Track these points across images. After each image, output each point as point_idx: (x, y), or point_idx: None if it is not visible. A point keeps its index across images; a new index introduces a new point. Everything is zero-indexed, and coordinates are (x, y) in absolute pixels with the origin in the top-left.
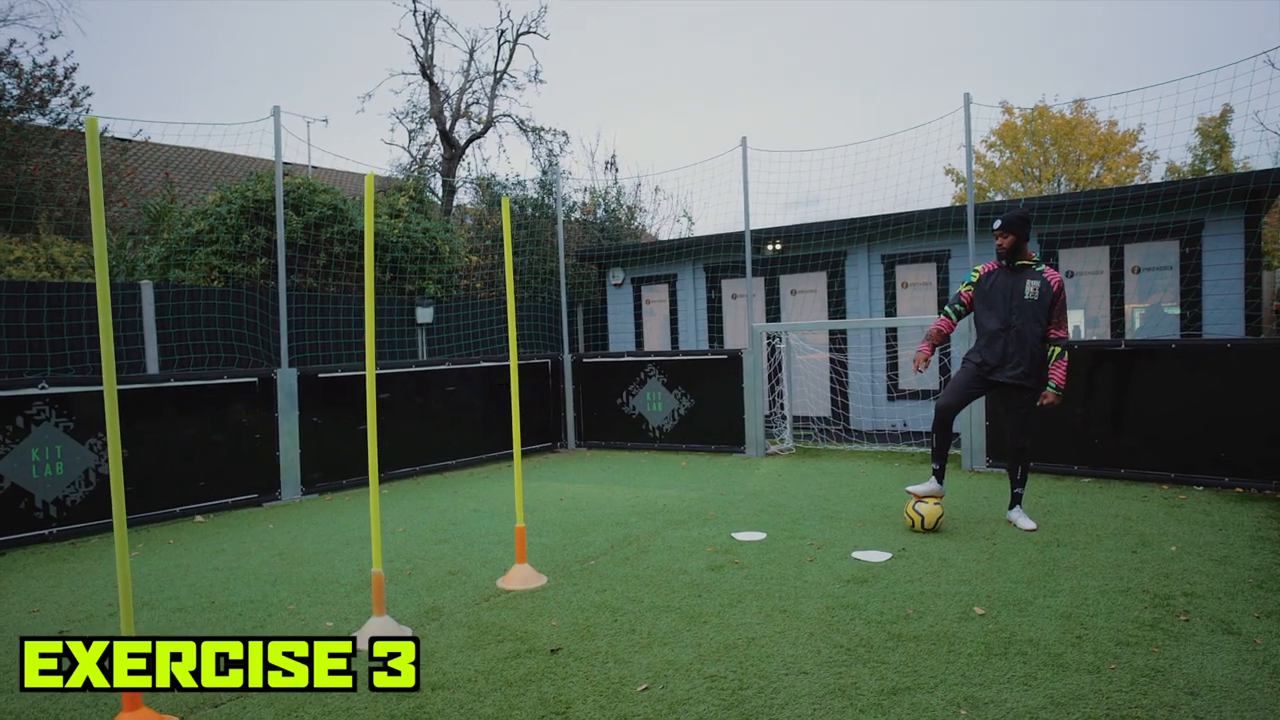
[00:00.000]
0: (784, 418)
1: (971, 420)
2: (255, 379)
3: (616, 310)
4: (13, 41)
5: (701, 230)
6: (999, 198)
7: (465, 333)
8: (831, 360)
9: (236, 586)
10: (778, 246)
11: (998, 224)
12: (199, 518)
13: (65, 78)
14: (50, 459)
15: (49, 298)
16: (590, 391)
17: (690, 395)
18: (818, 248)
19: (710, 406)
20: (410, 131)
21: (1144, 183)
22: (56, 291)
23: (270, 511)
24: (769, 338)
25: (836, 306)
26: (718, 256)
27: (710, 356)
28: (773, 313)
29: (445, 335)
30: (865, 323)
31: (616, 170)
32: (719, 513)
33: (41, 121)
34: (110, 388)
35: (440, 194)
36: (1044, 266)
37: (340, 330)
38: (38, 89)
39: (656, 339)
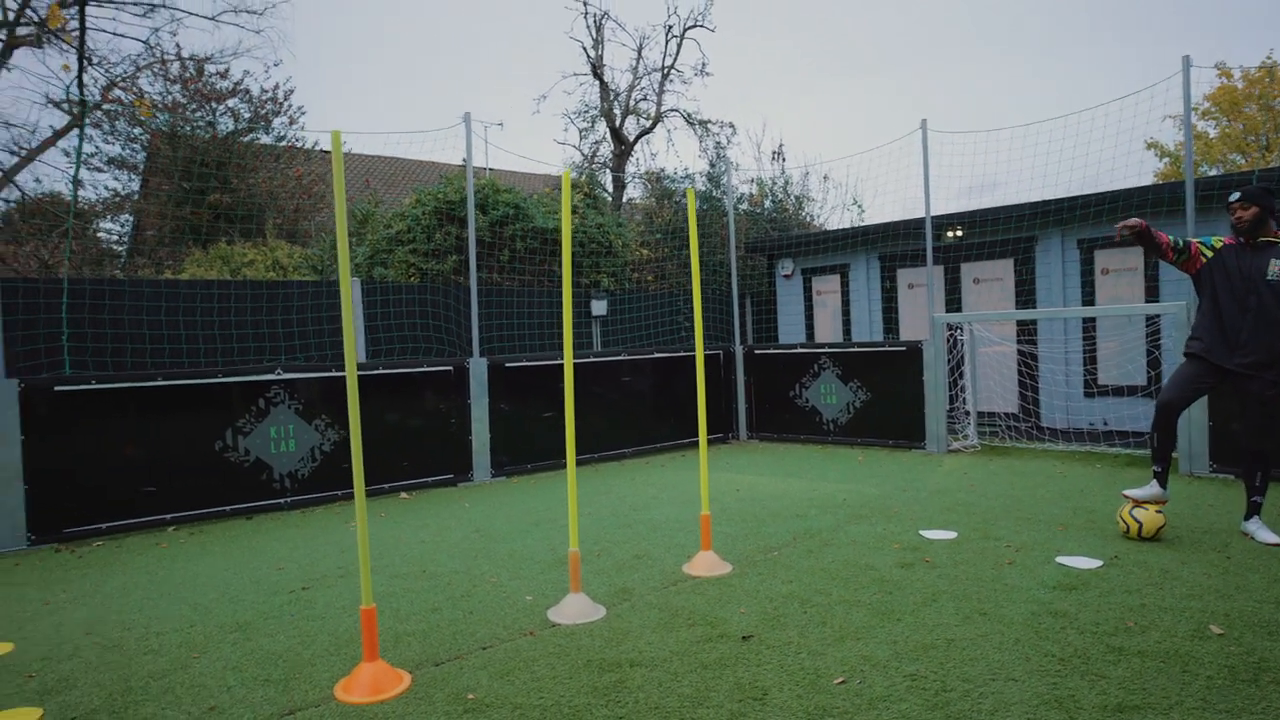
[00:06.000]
0: (967, 413)
1: (1191, 420)
2: (450, 368)
3: (786, 302)
4: (246, 72)
5: (873, 218)
6: (1213, 172)
7: (637, 324)
8: (1020, 353)
9: (442, 558)
10: (959, 233)
11: (1236, 195)
12: (404, 494)
13: (284, 99)
14: (285, 436)
15: (282, 294)
16: (762, 383)
17: (866, 388)
18: (1004, 233)
19: (888, 400)
20: (581, 130)
21: None
22: (287, 289)
23: (464, 491)
24: (949, 328)
25: (1025, 295)
26: (893, 245)
27: (887, 348)
28: (953, 303)
29: (618, 327)
30: (1060, 312)
31: (784, 160)
32: (903, 509)
33: (266, 140)
34: (351, 374)
35: (611, 190)
36: None
37: (522, 322)
38: (263, 111)
39: (828, 330)
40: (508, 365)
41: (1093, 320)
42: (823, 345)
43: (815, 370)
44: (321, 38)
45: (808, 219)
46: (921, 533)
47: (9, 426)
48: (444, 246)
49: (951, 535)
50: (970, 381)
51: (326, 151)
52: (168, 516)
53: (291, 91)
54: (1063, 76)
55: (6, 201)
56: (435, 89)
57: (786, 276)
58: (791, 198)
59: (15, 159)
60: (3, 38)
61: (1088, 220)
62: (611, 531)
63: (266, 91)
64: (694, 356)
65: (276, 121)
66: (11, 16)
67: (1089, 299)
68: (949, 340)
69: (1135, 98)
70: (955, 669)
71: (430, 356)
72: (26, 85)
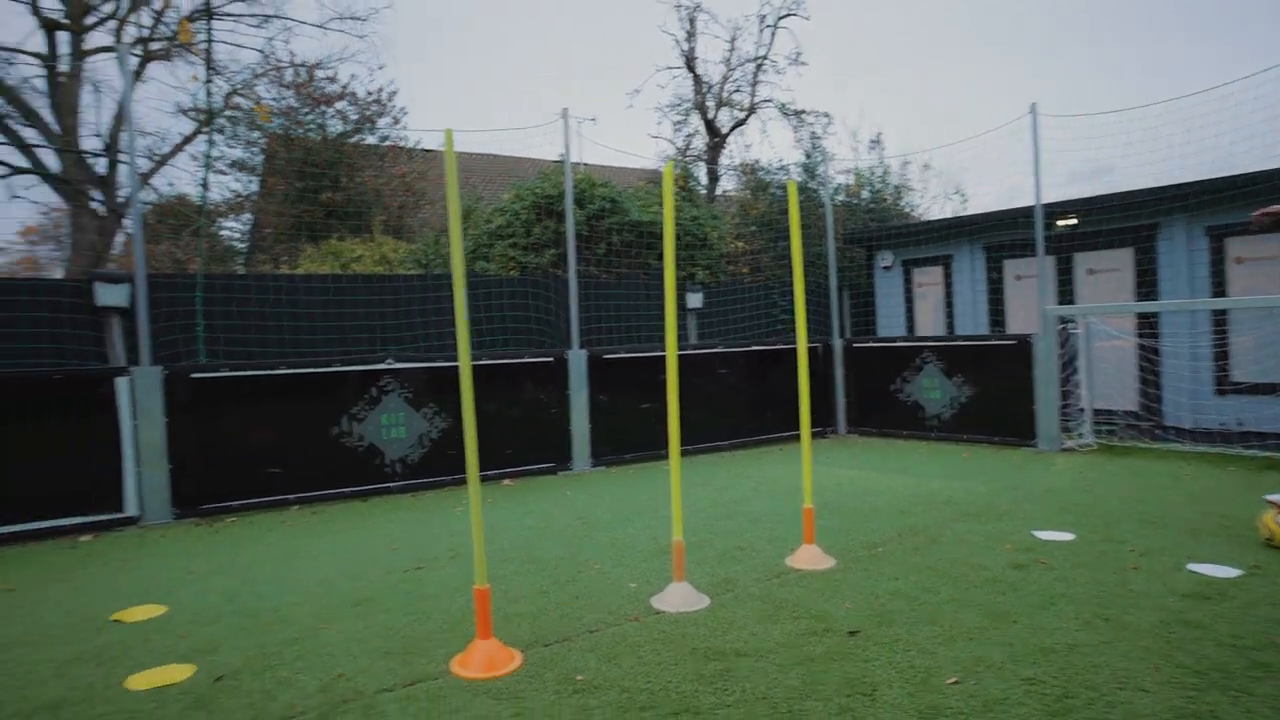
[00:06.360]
0: (1082, 410)
1: None
2: (551, 359)
3: (885, 294)
4: (352, 76)
5: (976, 208)
6: None
7: (733, 317)
8: (1141, 347)
9: (547, 544)
10: (1072, 221)
11: None
12: (506, 481)
13: (388, 100)
14: (395, 424)
15: (390, 287)
16: (862, 377)
17: (972, 383)
18: (1122, 221)
19: (995, 395)
20: (675, 124)
21: None
22: (394, 282)
23: (565, 480)
24: (1061, 321)
25: (1146, 286)
26: (999, 234)
27: (995, 342)
28: (1064, 294)
29: (714, 320)
30: (1187, 304)
31: (882, 148)
32: (1013, 508)
33: (370, 140)
34: (465, 365)
35: (705, 182)
36: None
37: (619, 314)
38: (369, 113)
39: (929, 323)
40: (606, 357)
41: (1224, 313)
42: (925, 339)
43: (918, 364)
44: (415, 36)
45: (907, 209)
46: (1034, 533)
47: (155, 409)
48: (542, 240)
49: (1068, 537)
50: (1085, 377)
51: (428, 150)
52: (290, 496)
53: (395, 93)
54: (1198, 62)
55: (144, 204)
56: (527, 85)
57: (886, 268)
58: (890, 187)
59: (150, 164)
60: (139, 53)
61: (1218, 206)
62: (712, 523)
63: (371, 94)
64: (790, 349)
65: (381, 122)
66: (146, 34)
67: (1219, 290)
68: (1060, 334)
69: (1274, 73)
70: (1077, 676)
71: (530, 348)
72: (159, 96)
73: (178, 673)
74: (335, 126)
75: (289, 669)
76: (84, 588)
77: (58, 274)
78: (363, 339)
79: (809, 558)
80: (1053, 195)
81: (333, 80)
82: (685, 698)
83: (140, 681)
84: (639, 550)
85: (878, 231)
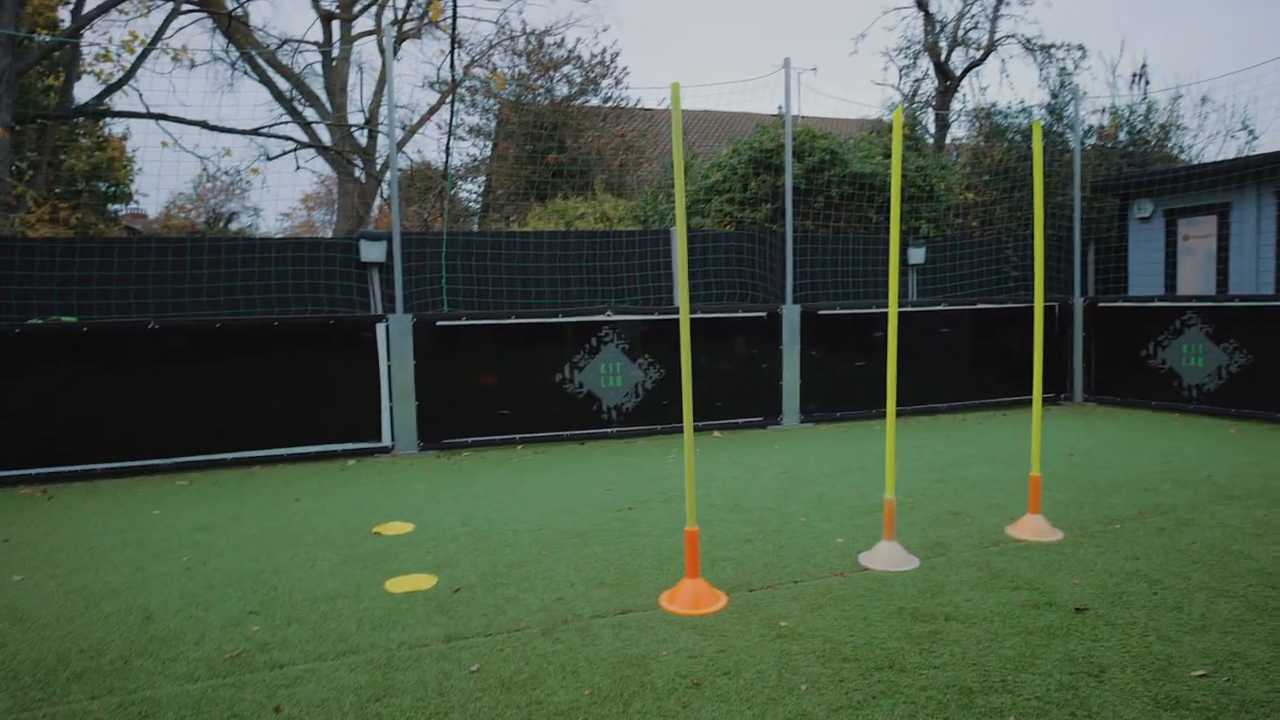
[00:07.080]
0: None
1: None
2: (764, 314)
3: (1140, 248)
4: (579, 39)
5: (1267, 146)
6: None
7: (959, 273)
8: None
9: (754, 495)
10: None
11: None
12: (716, 433)
13: (611, 62)
14: (612, 373)
15: (611, 243)
16: (1105, 340)
17: (1247, 350)
18: None
19: (1275, 365)
20: (902, 69)
21: None
22: (615, 239)
23: (773, 434)
24: None
25: None
26: None
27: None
28: None
29: (937, 276)
30: None
31: (1146, 83)
32: None
33: (594, 102)
34: (685, 319)
35: (933, 130)
36: None
37: (837, 269)
38: (593, 75)
39: (1194, 281)
40: (820, 313)
41: None
42: (1190, 298)
43: (1177, 327)
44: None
45: (1174, 151)
46: None
47: (406, 353)
48: (758, 195)
49: None
50: None
51: (648, 109)
52: (516, 436)
53: (617, 54)
54: None
55: (399, 170)
56: (742, 37)
57: (1143, 219)
58: (1153, 127)
59: (401, 134)
60: (395, 33)
61: None
62: (925, 485)
63: (595, 56)
64: (1021, 309)
65: (604, 83)
66: (401, 15)
67: None
68: None
69: None
70: None
71: (744, 302)
72: (412, 72)
73: (424, 581)
74: (561, 90)
75: (515, 588)
76: (351, 503)
77: (328, 234)
78: (584, 291)
79: (1033, 528)
80: None
81: (560, 45)
82: (890, 654)
83: (396, 585)
84: (847, 507)
85: (1135, 178)
